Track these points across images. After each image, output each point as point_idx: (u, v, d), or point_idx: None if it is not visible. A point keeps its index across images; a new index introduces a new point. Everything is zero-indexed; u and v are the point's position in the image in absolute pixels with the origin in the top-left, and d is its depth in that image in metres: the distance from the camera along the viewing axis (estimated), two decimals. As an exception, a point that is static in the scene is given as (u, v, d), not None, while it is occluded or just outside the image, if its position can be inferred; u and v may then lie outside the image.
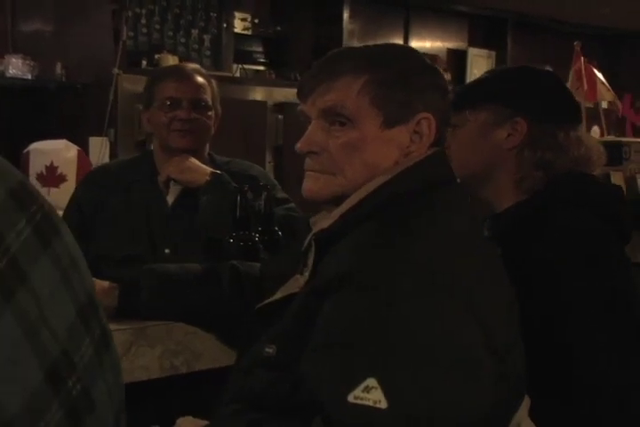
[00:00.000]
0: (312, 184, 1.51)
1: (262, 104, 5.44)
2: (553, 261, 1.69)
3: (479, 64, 7.46)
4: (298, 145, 1.52)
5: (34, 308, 0.53)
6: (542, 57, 7.89)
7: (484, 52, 7.71)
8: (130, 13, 4.77)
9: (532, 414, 1.48)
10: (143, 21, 5.02)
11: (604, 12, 7.69)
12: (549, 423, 1.56)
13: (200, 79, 2.65)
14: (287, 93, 5.68)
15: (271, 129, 5.47)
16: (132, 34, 4.88)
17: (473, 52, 7.61)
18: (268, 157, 5.45)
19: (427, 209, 1.43)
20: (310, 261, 1.44)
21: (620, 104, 3.93)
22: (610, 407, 1.62)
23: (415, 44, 7.10)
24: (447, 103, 1.53)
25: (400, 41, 7.03)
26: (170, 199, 2.62)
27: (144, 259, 2.54)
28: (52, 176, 4.13)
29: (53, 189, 4.10)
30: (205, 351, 1.84)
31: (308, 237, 1.48)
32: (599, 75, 3.51)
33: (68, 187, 4.10)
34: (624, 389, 1.63)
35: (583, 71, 3.49)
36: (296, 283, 1.48)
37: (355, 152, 1.46)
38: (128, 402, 1.75)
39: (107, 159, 4.44)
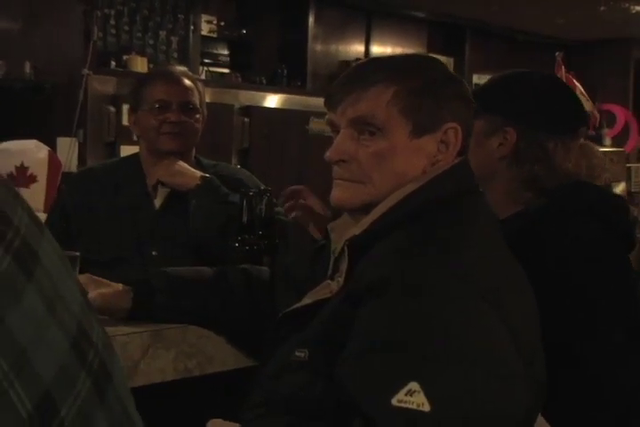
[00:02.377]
0: (341, 193, 1.54)
1: (229, 107, 5.45)
2: (556, 271, 1.73)
3: (438, 70, 7.53)
4: (327, 154, 1.54)
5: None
6: (499, 64, 8.01)
7: (442, 58, 7.78)
8: (99, 14, 4.74)
9: (545, 414, 1.52)
10: (112, 22, 5.01)
11: (558, 22, 7.83)
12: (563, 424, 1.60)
13: (188, 82, 2.66)
14: (253, 96, 5.70)
15: (237, 132, 5.49)
16: (100, 35, 4.85)
17: (432, 59, 7.68)
18: (234, 160, 5.46)
19: (456, 217, 1.47)
20: (344, 268, 1.47)
21: (597, 114, 4.02)
22: (622, 409, 1.67)
23: (376, 48, 7.16)
24: (471, 113, 1.57)
25: (361, 46, 7.09)
26: (157, 202, 2.63)
27: (131, 261, 2.55)
28: (22, 177, 4.09)
29: (24, 190, 4.06)
30: (218, 354, 1.86)
31: (341, 244, 1.51)
32: (578, 85, 3.59)
33: (39, 187, 4.07)
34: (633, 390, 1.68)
35: (564, 81, 3.56)
36: (327, 288, 1.50)
37: (384, 161, 1.50)
38: (144, 404, 1.76)
39: (75, 160, 4.42)
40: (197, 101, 2.63)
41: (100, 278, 1.85)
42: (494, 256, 1.45)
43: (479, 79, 8.10)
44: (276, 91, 5.89)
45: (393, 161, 1.50)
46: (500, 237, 1.51)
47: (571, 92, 2.00)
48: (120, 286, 1.83)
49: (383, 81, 1.50)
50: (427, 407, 1.21)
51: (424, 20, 7.61)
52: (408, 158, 1.50)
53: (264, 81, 5.95)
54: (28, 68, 4.61)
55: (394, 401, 1.23)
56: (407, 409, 1.22)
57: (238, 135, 5.49)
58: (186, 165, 2.57)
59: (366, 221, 1.49)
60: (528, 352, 1.37)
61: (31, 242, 0.57)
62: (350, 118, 1.51)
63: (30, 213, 0.60)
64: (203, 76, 5.71)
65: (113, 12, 5.03)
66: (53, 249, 0.62)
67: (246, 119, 5.52)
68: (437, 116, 1.51)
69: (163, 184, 2.58)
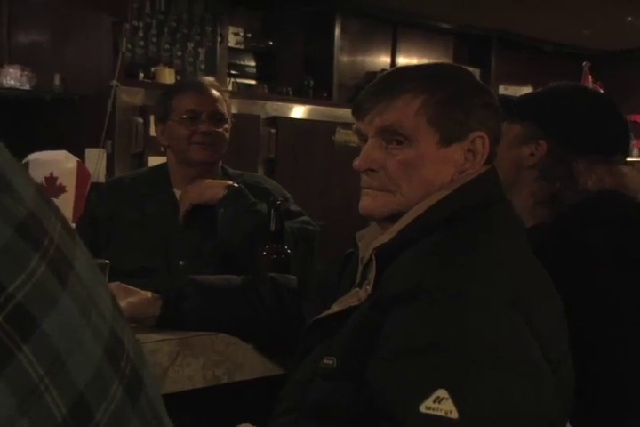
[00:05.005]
0: (370, 202, 1.55)
1: (255, 118, 5.47)
2: (583, 277, 1.73)
3: (464, 81, 7.52)
4: (356, 162, 1.56)
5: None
6: (525, 75, 8.01)
7: (468, 69, 7.78)
8: (128, 26, 4.79)
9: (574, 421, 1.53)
10: (141, 34, 5.05)
11: (585, 33, 7.81)
12: None
13: (216, 92, 2.69)
14: (279, 107, 5.73)
15: (263, 142, 5.51)
16: (129, 47, 4.90)
17: (457, 70, 7.68)
18: (260, 171, 5.47)
19: (484, 225, 1.48)
20: (371, 276, 1.48)
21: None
22: None
23: (402, 59, 7.17)
24: (499, 122, 1.58)
25: (387, 57, 7.11)
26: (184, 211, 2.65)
27: (159, 271, 2.57)
28: (51, 187, 4.12)
29: (53, 200, 4.10)
30: (246, 362, 1.87)
31: (369, 252, 1.52)
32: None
33: (68, 198, 4.11)
34: None
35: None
36: (355, 296, 1.51)
37: (412, 170, 1.51)
38: (172, 412, 1.77)
39: (103, 171, 4.46)
40: (225, 111, 2.66)
41: (130, 286, 1.87)
42: (521, 263, 1.46)
43: (505, 90, 8.09)
44: (302, 102, 5.92)
45: (421, 170, 1.51)
46: (526, 244, 1.52)
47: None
48: (149, 294, 1.85)
49: (411, 90, 1.51)
50: (455, 415, 1.22)
51: (450, 31, 7.61)
52: (436, 167, 1.51)
53: (290, 92, 5.97)
54: (57, 79, 4.65)
55: (422, 408, 1.23)
56: (435, 416, 1.22)
57: (264, 146, 5.51)
58: (208, 180, 2.59)
59: (394, 229, 1.50)
60: (555, 358, 1.38)
61: (64, 250, 0.58)
62: (378, 127, 1.53)
63: (63, 221, 0.62)
64: (230, 88, 5.74)
65: (142, 25, 5.08)
66: (85, 257, 0.63)
67: (273, 130, 5.55)
68: (465, 125, 1.52)
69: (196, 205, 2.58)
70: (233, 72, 5.86)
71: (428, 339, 1.31)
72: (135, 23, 5.03)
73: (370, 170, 1.54)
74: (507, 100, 1.97)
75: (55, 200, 4.12)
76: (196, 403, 1.87)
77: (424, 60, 7.45)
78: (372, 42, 6.92)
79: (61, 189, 4.15)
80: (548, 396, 1.31)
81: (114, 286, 1.84)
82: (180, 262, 2.62)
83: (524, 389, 1.28)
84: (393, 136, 1.52)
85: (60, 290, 0.54)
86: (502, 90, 8.06)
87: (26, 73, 4.53)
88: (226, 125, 2.65)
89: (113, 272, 2.57)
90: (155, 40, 5.15)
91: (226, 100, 2.69)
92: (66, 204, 4.07)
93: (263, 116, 5.55)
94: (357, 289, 1.52)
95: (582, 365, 1.53)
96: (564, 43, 8.24)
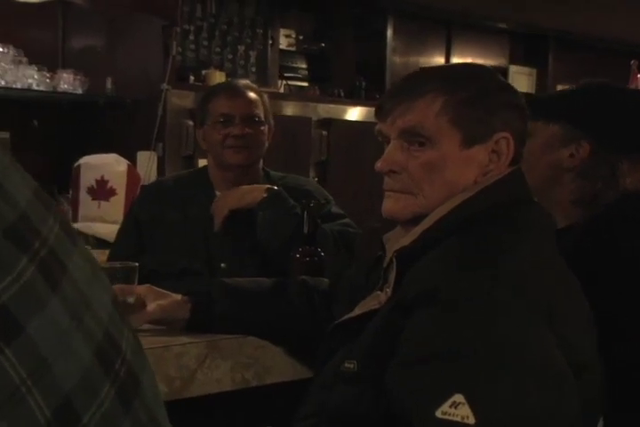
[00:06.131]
0: (392, 204, 1.54)
1: (307, 120, 5.47)
2: (624, 280, 1.69)
3: (520, 81, 7.45)
4: (378, 164, 1.54)
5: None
6: (584, 74, 7.88)
7: (525, 69, 7.71)
8: (178, 30, 4.82)
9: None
10: (191, 37, 5.09)
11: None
12: None
13: (252, 95, 2.68)
14: (331, 109, 5.72)
15: (315, 145, 5.51)
16: (180, 50, 4.93)
17: (514, 70, 7.61)
18: (312, 173, 5.47)
19: (508, 227, 1.46)
20: (392, 278, 1.46)
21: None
22: None
23: (456, 60, 7.11)
24: (524, 122, 1.55)
25: (442, 58, 7.06)
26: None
27: (201, 273, 2.58)
28: (102, 190, 4.18)
29: (104, 203, 4.15)
30: (276, 365, 1.86)
31: (389, 255, 1.50)
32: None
33: (118, 200, 4.16)
34: None
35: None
36: (376, 299, 1.50)
37: (434, 172, 1.49)
38: (200, 414, 1.78)
39: (154, 173, 4.49)
40: (262, 113, 2.65)
41: (160, 289, 1.87)
42: (547, 267, 1.43)
43: (563, 90, 7.99)
44: (354, 103, 5.90)
45: (443, 172, 1.49)
46: (554, 247, 1.49)
47: None
48: (179, 297, 1.85)
49: (432, 91, 1.50)
50: (471, 420, 1.20)
51: (506, 31, 7.53)
52: (459, 169, 1.49)
53: (342, 94, 5.96)
54: (109, 83, 4.70)
55: (438, 413, 1.21)
56: (451, 422, 1.20)
57: (316, 148, 5.51)
58: (245, 186, 2.59)
59: (415, 231, 1.48)
60: (580, 363, 1.35)
61: (59, 252, 0.58)
62: (400, 129, 1.51)
63: (64, 224, 0.61)
64: (281, 90, 5.75)
65: (193, 28, 5.12)
66: (85, 260, 0.63)
67: (324, 132, 5.55)
68: (488, 125, 1.49)
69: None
70: (285, 74, 5.87)
71: (444, 343, 1.29)
72: (186, 27, 5.07)
73: (392, 172, 1.53)
74: (537, 99, 1.94)
75: (106, 203, 4.17)
76: (225, 406, 1.87)
77: (479, 61, 7.38)
78: (425, 42, 6.88)
79: (112, 192, 4.19)
80: (568, 402, 1.28)
81: (143, 288, 1.85)
82: (222, 265, 2.63)
83: (542, 395, 1.25)
84: (415, 138, 1.50)
85: (49, 293, 0.54)
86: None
87: (79, 77, 4.59)
88: (262, 128, 2.65)
89: (156, 275, 2.59)
90: (205, 43, 5.17)
91: (264, 103, 2.69)
92: (116, 206, 4.12)
93: (315, 118, 5.55)
94: (379, 292, 1.51)
95: (619, 364, 1.50)
96: (621, 41, 8.11)
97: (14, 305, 0.49)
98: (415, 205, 1.50)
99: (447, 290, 1.32)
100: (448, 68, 1.60)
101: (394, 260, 1.47)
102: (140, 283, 1.91)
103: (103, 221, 4.01)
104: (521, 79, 7.58)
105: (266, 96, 2.74)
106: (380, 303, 1.47)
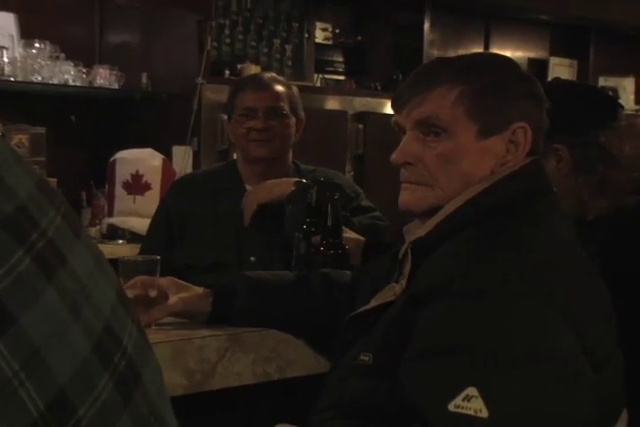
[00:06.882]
0: (409, 196, 1.52)
1: (343, 113, 5.44)
2: None
3: (561, 73, 7.35)
4: (393, 156, 1.53)
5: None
6: (626, 66, 7.79)
7: (565, 61, 7.61)
8: (213, 24, 4.82)
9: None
10: (227, 32, 5.08)
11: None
12: None
13: (278, 87, 2.67)
14: (367, 103, 5.69)
15: (351, 138, 5.48)
16: (215, 44, 4.93)
17: (554, 62, 7.52)
18: (348, 167, 5.45)
19: (524, 219, 1.43)
20: (406, 270, 1.45)
21: None
22: None
23: (496, 52, 7.06)
24: (543, 111, 1.53)
25: (480, 50, 6.99)
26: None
27: (231, 266, 2.58)
28: (137, 184, 4.20)
29: (139, 197, 4.17)
30: (298, 358, 1.86)
31: (404, 246, 1.49)
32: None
33: (153, 195, 4.17)
34: None
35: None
36: (391, 291, 1.49)
37: (450, 163, 1.47)
38: (221, 407, 1.77)
39: (190, 168, 4.50)
40: (287, 106, 2.64)
41: (182, 282, 1.87)
42: (564, 259, 1.40)
43: (606, 81, 7.89)
44: (391, 97, 5.85)
45: (459, 163, 1.47)
46: (573, 238, 1.46)
47: (586, 85, 1.97)
48: (201, 290, 1.85)
49: (448, 81, 1.48)
50: (484, 413, 1.18)
51: (546, 23, 7.44)
52: (475, 160, 1.47)
53: (379, 87, 5.92)
54: (144, 78, 4.71)
55: (450, 407, 1.20)
56: (464, 415, 1.19)
57: (352, 142, 5.48)
58: (273, 180, 2.58)
59: (431, 222, 1.47)
60: (599, 357, 1.33)
61: (59, 244, 0.58)
62: (415, 120, 1.50)
63: (67, 216, 0.61)
64: (317, 84, 5.74)
65: (228, 22, 5.11)
66: (89, 252, 0.63)
67: (360, 126, 5.51)
68: (505, 115, 1.47)
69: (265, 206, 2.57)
70: (321, 68, 5.85)
71: (458, 337, 1.27)
72: (221, 21, 5.06)
73: (407, 163, 1.51)
74: None
75: (141, 197, 4.19)
76: (246, 399, 1.87)
77: (519, 53, 7.32)
78: (463, 35, 6.83)
79: (147, 187, 4.22)
80: (584, 397, 1.26)
81: (166, 280, 1.85)
82: (252, 259, 2.63)
83: (557, 389, 1.23)
84: (430, 128, 1.48)
85: (45, 285, 0.54)
86: (602, 81, 7.87)
87: (114, 73, 4.61)
88: (287, 120, 2.64)
89: (187, 268, 2.60)
90: (241, 37, 5.16)
91: (291, 95, 2.68)
92: (151, 201, 4.12)
93: (351, 111, 5.51)
94: (394, 284, 1.50)
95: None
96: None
97: (7, 297, 0.49)
98: (431, 197, 1.49)
99: (460, 283, 1.30)
100: (465, 58, 1.58)
101: (409, 251, 1.45)
102: (170, 276, 1.91)
103: (138, 215, 4.02)
104: (562, 71, 7.49)
105: (295, 89, 2.73)
106: (395, 295, 1.46)
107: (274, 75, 2.82)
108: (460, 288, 1.30)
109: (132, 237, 3.88)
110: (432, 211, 1.49)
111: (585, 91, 1.95)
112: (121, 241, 3.95)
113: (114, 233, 4.00)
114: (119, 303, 0.64)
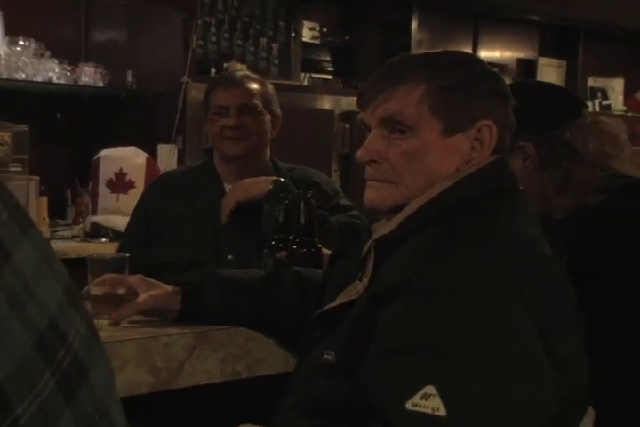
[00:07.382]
0: (374, 194, 1.52)
1: (329, 113, 5.44)
2: (620, 274, 1.67)
3: (549, 74, 7.37)
4: (358, 154, 1.53)
5: None
6: (615, 67, 7.79)
7: (554, 61, 7.60)
8: (199, 22, 4.81)
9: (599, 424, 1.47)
10: (212, 30, 5.06)
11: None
12: None
13: (250, 84, 2.66)
14: (354, 102, 5.67)
15: (338, 137, 5.47)
16: (201, 42, 4.92)
17: (543, 62, 7.51)
18: (335, 166, 5.45)
19: (488, 216, 1.43)
20: (369, 268, 1.44)
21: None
22: None
23: (484, 53, 7.04)
24: (509, 109, 1.52)
25: (469, 51, 6.99)
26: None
27: (208, 265, 2.57)
28: (121, 182, 4.19)
29: (122, 196, 4.16)
30: (267, 357, 1.85)
31: (367, 244, 1.48)
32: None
33: (137, 193, 4.15)
34: None
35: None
36: (355, 289, 1.48)
37: (415, 161, 1.47)
38: (189, 406, 1.77)
39: (174, 166, 4.49)
40: (260, 103, 2.63)
41: (151, 280, 1.87)
42: (527, 258, 1.39)
43: (594, 82, 7.89)
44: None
45: (424, 160, 1.46)
46: (539, 235, 1.46)
47: (550, 84, 2.11)
48: (170, 288, 1.85)
49: (413, 79, 1.47)
50: (442, 412, 1.18)
51: (535, 23, 7.44)
52: (440, 157, 1.47)
53: (366, 87, 5.92)
54: (129, 76, 4.70)
55: (408, 405, 1.19)
56: (421, 414, 1.18)
57: (339, 141, 5.47)
58: (251, 178, 2.57)
59: (395, 220, 1.46)
60: (561, 356, 1.32)
61: (5, 240, 0.57)
62: (380, 117, 1.49)
63: (14, 211, 0.60)
64: (305, 83, 5.73)
65: (214, 21, 5.09)
66: (36, 248, 0.62)
67: (347, 125, 5.51)
68: (470, 113, 1.47)
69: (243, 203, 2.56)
70: (308, 67, 5.83)
71: (416, 335, 1.27)
72: (207, 19, 5.04)
73: (372, 161, 1.51)
74: None
75: (124, 196, 4.18)
76: (214, 397, 1.86)
77: (507, 54, 7.33)
78: (452, 35, 6.82)
79: (131, 185, 4.20)
80: (545, 396, 1.25)
81: (135, 278, 1.84)
82: (229, 257, 2.62)
83: (515, 388, 1.22)
84: (395, 126, 1.48)
85: None
86: (591, 82, 7.88)
87: (100, 70, 4.59)
88: (261, 117, 2.63)
89: (165, 266, 2.59)
90: (227, 36, 5.15)
91: (265, 92, 2.67)
92: (135, 199, 4.09)
93: (337, 111, 5.51)
94: (357, 282, 1.49)
95: (609, 350, 1.48)
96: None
97: None
98: (396, 195, 1.48)
99: (419, 281, 1.29)
100: (431, 56, 1.57)
101: (372, 249, 1.45)
102: (148, 274, 1.91)
103: (122, 213, 4.01)
104: (550, 71, 7.50)
105: (270, 86, 2.73)
106: (358, 293, 1.45)
107: (247, 72, 2.82)
108: (416, 286, 1.29)
109: (115, 235, 3.87)
110: (397, 209, 1.48)
111: (549, 89, 1.97)
112: (104, 239, 3.94)
113: (97, 231, 3.98)
114: (67, 300, 0.63)
